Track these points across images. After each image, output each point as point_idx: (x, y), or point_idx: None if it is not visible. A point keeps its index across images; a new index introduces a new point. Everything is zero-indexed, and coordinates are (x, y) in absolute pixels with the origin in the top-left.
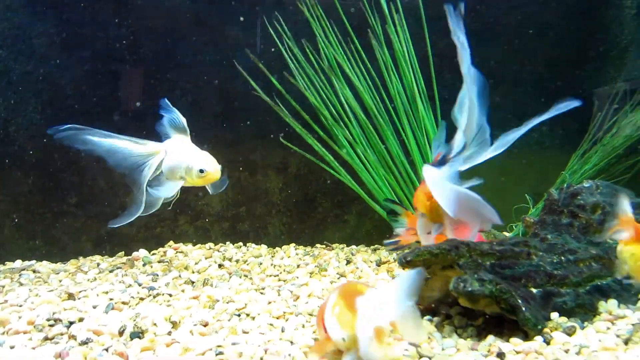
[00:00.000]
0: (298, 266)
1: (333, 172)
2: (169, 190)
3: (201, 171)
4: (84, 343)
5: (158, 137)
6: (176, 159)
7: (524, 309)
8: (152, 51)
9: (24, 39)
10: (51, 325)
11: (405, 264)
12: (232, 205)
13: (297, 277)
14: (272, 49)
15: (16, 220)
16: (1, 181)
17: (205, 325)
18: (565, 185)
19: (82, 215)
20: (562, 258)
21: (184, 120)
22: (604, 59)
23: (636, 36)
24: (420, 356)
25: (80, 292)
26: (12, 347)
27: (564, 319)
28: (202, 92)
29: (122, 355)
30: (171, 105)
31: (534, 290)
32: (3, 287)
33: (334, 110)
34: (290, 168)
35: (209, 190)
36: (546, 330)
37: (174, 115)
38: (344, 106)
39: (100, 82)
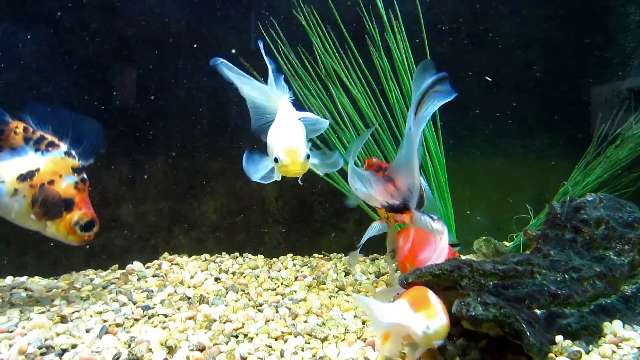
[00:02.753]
0: (296, 278)
1: (330, 181)
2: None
3: (276, 160)
4: None
5: None
6: (270, 133)
7: (528, 334)
8: (145, 55)
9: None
10: (43, 354)
11: (406, 285)
12: (228, 214)
13: (295, 291)
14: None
15: (6, 235)
16: None
17: (201, 350)
18: (568, 198)
19: None
20: (566, 276)
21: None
22: (608, 65)
23: None
24: None
25: (73, 312)
26: None
27: (568, 342)
28: (194, 99)
29: None
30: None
31: (538, 312)
32: None
33: (330, 117)
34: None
35: (319, 172)
36: (551, 355)
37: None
38: (341, 113)
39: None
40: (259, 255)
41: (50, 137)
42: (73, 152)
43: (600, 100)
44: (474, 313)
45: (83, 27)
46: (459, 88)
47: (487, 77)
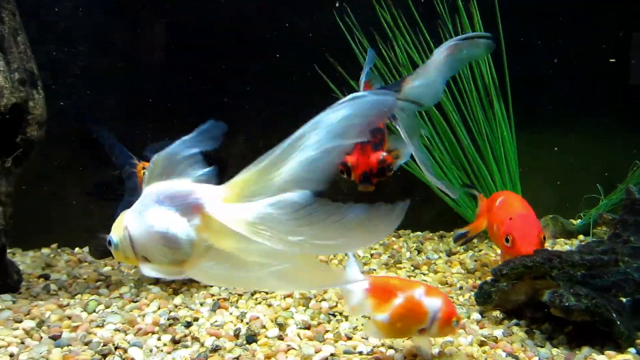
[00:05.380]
0: (371, 256)
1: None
2: None
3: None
4: (214, 350)
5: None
6: None
7: (618, 322)
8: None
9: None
10: (170, 325)
11: (500, 276)
12: None
13: (375, 270)
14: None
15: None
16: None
17: (308, 328)
18: None
19: None
20: None
21: None
22: None
23: None
24: None
25: (181, 287)
26: (150, 351)
27: None
28: (277, 87)
29: None
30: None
31: (624, 300)
32: (109, 277)
33: None
34: None
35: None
36: (638, 341)
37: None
38: None
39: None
40: None
41: None
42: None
43: None
44: (567, 304)
45: (165, 16)
46: (531, 67)
47: (611, 60)
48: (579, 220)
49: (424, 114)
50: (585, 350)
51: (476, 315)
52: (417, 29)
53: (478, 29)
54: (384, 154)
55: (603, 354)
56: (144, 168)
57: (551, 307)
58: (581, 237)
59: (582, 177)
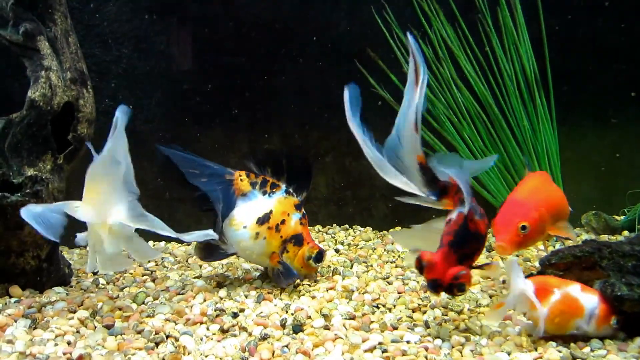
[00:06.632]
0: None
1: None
2: None
3: None
4: (263, 338)
5: None
6: None
7: None
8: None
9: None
10: (218, 316)
11: (548, 266)
12: (338, 189)
13: None
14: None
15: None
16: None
17: (352, 319)
18: None
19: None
20: None
21: None
22: None
23: None
24: (574, 358)
25: (225, 280)
26: (201, 339)
27: None
28: (309, 80)
29: (305, 353)
30: None
31: None
32: (154, 271)
33: (441, 96)
34: None
35: None
36: None
37: None
38: (452, 91)
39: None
40: (367, 227)
41: (271, 179)
42: (291, 190)
43: None
44: (619, 293)
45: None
46: (573, 59)
47: None
48: (623, 216)
49: (464, 109)
50: (638, 340)
51: None
52: (457, 24)
53: (519, 23)
54: (464, 272)
55: None
56: (240, 175)
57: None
58: (626, 233)
59: (626, 172)
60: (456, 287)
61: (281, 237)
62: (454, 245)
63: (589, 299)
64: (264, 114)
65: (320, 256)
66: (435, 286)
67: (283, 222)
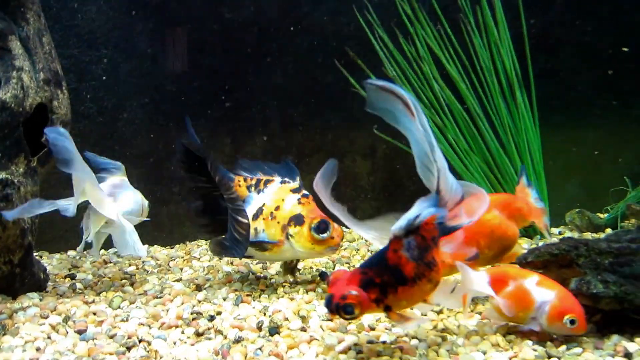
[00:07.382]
0: None
1: None
2: None
3: None
4: (237, 341)
5: None
6: None
7: None
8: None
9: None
10: (194, 319)
11: (525, 264)
12: None
13: None
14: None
15: None
16: None
17: (330, 320)
18: None
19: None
20: None
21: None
22: None
23: None
24: (549, 356)
25: (205, 282)
26: (174, 343)
27: None
28: (292, 82)
29: (277, 355)
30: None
31: None
32: (134, 275)
33: (423, 95)
34: (378, 153)
35: None
36: None
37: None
38: (434, 90)
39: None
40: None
41: (264, 177)
42: (287, 179)
43: None
44: (594, 291)
45: (186, 16)
46: (555, 58)
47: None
48: (607, 214)
49: (446, 108)
50: (615, 337)
51: None
52: (439, 23)
53: (500, 22)
54: (354, 293)
55: (633, 341)
56: (239, 181)
57: (578, 295)
58: (609, 230)
59: (609, 170)
60: (342, 308)
61: (278, 222)
62: (364, 266)
63: (542, 294)
64: (248, 115)
65: (321, 225)
66: (328, 303)
67: (277, 208)
